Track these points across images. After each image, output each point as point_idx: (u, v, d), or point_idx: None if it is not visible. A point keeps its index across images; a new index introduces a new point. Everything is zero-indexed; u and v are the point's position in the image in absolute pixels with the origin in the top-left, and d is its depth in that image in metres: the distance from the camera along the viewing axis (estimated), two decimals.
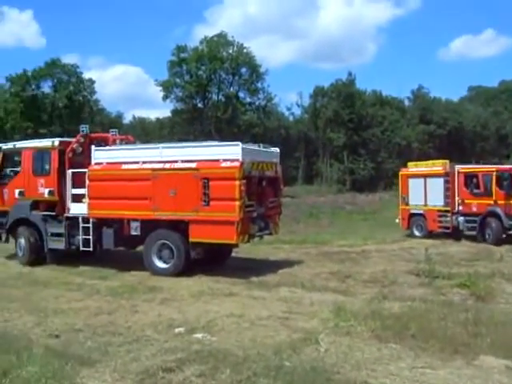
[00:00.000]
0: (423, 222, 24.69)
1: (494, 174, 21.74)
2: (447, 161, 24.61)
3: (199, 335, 8.17)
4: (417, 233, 24.92)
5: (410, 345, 7.70)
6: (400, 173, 26.97)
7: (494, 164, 23.30)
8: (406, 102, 69.33)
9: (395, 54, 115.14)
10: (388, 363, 6.93)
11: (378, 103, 65.34)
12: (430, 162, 26.11)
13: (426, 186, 24.49)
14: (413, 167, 26.37)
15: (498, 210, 21.23)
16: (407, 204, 25.56)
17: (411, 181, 25.44)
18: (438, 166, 24.58)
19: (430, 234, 24.08)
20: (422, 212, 24.74)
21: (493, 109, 68.20)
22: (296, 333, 8.32)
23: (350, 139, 61.94)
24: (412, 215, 25.35)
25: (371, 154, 61.65)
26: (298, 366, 6.61)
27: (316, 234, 28.17)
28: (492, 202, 21.59)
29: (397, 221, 26.57)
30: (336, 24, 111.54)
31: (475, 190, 22.45)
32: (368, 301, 10.75)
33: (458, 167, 23.61)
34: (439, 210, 23.67)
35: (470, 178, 22.94)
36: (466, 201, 22.67)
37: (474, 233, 22.17)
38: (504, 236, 21.06)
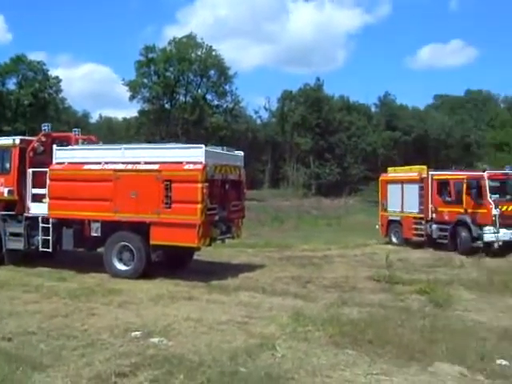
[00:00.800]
0: (400, 229, 24.26)
1: (465, 181, 21.18)
2: (424, 167, 24.06)
3: (155, 339, 8.06)
4: (394, 240, 24.53)
5: (366, 351, 7.71)
6: (380, 178, 26.58)
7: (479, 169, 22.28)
8: (373, 109, 70.03)
9: (364, 60, 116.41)
10: (344, 369, 6.93)
11: (346, 109, 65.82)
12: (408, 167, 25.67)
13: (402, 193, 24.10)
14: (392, 172, 25.94)
15: (467, 219, 20.75)
16: (386, 210, 25.21)
17: (390, 187, 25.08)
18: (414, 172, 24.19)
19: (407, 242, 23.69)
20: (398, 219, 24.33)
21: (458, 117, 69.18)
22: (253, 338, 8.27)
23: (317, 144, 62.26)
24: (390, 222, 24.92)
25: (337, 159, 62.06)
26: (253, 372, 6.57)
27: (280, 237, 28.15)
28: (462, 211, 21.02)
29: (377, 227, 26.07)
30: (306, 29, 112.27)
31: (447, 198, 22.12)
32: (327, 306, 10.76)
33: (431, 173, 23.13)
34: (414, 218, 23.20)
35: (443, 185, 22.50)
36: (439, 208, 22.25)
37: (446, 241, 21.66)
38: (476, 244, 20.37)
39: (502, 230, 20.07)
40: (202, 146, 13.81)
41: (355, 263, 18.31)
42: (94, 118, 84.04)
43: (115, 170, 14.08)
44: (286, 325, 9.02)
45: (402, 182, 24.15)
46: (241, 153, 16.03)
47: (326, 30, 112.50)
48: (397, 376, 6.74)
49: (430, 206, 22.49)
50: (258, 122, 71.83)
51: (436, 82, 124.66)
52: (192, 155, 13.64)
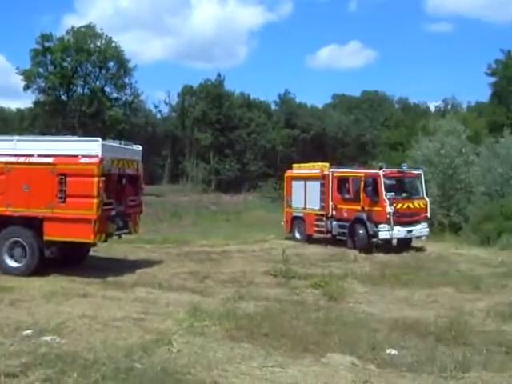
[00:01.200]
0: (303, 225, 24.18)
1: (362, 179, 21.12)
2: (327, 164, 24.28)
3: (48, 338, 7.79)
4: (298, 236, 24.41)
5: (262, 344, 7.81)
6: (285, 174, 26.26)
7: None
8: (273, 106, 70.94)
9: (265, 57, 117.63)
10: (240, 362, 6.98)
11: (246, 105, 66.32)
12: (311, 164, 25.43)
13: (305, 189, 24.04)
14: (296, 169, 25.86)
15: (364, 217, 20.78)
16: (290, 206, 25.03)
17: (294, 183, 24.98)
18: (316, 169, 24.08)
19: (310, 238, 23.60)
20: (301, 215, 24.23)
21: (354, 117, 71.30)
22: (149, 334, 8.18)
23: (217, 140, 62.42)
24: (294, 218, 24.76)
25: (237, 155, 62.46)
26: (149, 368, 6.50)
27: (178, 233, 28.05)
28: (360, 208, 21.00)
29: (282, 223, 25.79)
30: (209, 24, 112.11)
31: (346, 195, 22.08)
32: (224, 301, 10.82)
33: (331, 170, 23.15)
34: (316, 214, 23.23)
35: (342, 183, 22.41)
36: (339, 206, 22.21)
37: (345, 238, 21.64)
38: (373, 242, 20.30)
39: (397, 228, 20.28)
40: (99, 139, 13.51)
41: (253, 258, 18.50)
42: None
43: (7, 163, 13.51)
44: (182, 320, 8.99)
45: (305, 178, 24.24)
46: (139, 147, 15.79)
47: (229, 26, 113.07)
48: (291, 367, 6.87)
49: (330, 203, 22.49)
50: (158, 116, 71.14)
51: (334, 82, 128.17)
52: (88, 148, 13.30)
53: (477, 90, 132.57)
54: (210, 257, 18.37)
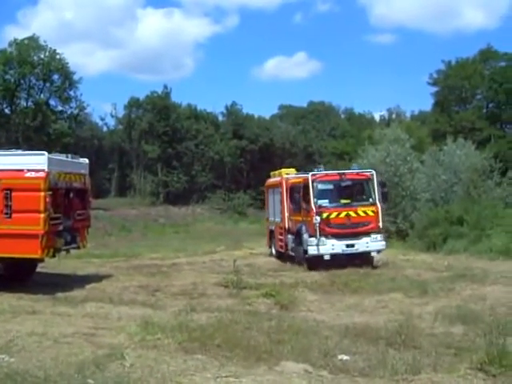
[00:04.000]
0: (274, 240, 21.69)
1: (302, 184, 18.67)
2: (291, 170, 21.90)
3: None
4: (273, 251, 21.80)
5: (215, 355, 7.79)
6: (266, 184, 23.72)
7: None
8: (220, 117, 71.02)
9: (213, 69, 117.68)
10: (193, 374, 6.95)
11: (193, 117, 66.19)
12: (283, 170, 22.17)
13: (273, 200, 21.76)
14: (272, 177, 22.92)
15: (303, 229, 18.23)
16: (268, 219, 22.83)
17: (269, 193, 22.74)
18: (278, 176, 21.79)
19: (281, 255, 20.79)
20: (273, 228, 21.84)
21: (301, 127, 72.00)
22: (101, 349, 8.06)
23: (164, 152, 62.06)
24: (270, 232, 22.33)
25: (185, 167, 62.20)
26: (102, 383, 6.41)
27: (128, 247, 27.83)
28: (300, 219, 18.63)
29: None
30: (155, 36, 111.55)
31: (293, 205, 19.56)
32: (176, 313, 10.77)
33: (286, 177, 20.65)
34: (280, 228, 20.74)
35: (294, 191, 19.67)
36: (292, 217, 19.73)
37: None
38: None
39: (330, 242, 17.48)
40: (45, 152, 13.34)
41: (204, 270, 18.54)
42: None
43: None
44: (134, 334, 8.89)
45: (272, 187, 22.20)
46: (86, 160, 15.66)
47: (175, 38, 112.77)
48: (245, 377, 6.87)
49: (285, 214, 20.17)
50: (104, 129, 70.33)
51: (281, 93, 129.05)
52: (34, 162, 13.11)
53: (419, 100, 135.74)
54: (160, 270, 18.32)
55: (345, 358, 7.89)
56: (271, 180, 22.96)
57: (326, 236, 17.52)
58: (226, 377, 6.87)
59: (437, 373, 7.21)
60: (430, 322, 10.33)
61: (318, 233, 17.29)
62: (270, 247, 22.49)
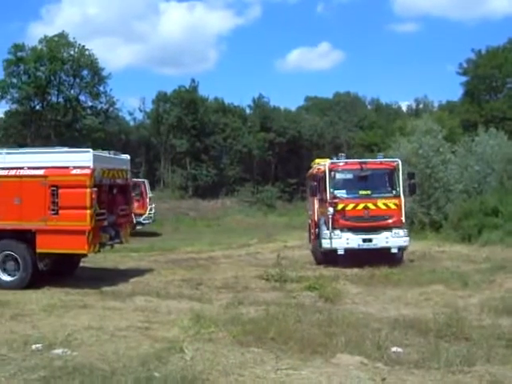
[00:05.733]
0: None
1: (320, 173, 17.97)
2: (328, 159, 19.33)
3: (59, 351, 7.83)
4: (310, 246, 20.63)
5: (270, 348, 7.96)
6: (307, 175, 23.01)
7: None
8: (248, 110, 71.01)
9: (236, 62, 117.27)
10: (253, 367, 7.11)
11: (221, 110, 66.26)
12: (318, 160, 21.12)
13: (308, 191, 20.94)
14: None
15: (322, 221, 17.52)
16: (308, 212, 22.05)
17: (307, 184, 21.90)
18: (313, 165, 20.67)
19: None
20: (309, 222, 20.95)
21: (328, 119, 71.70)
22: (158, 342, 8.28)
23: (193, 146, 62.28)
24: (309, 225, 21.42)
25: (213, 161, 62.36)
26: (168, 376, 6.58)
27: (161, 240, 28.13)
28: (322, 210, 17.79)
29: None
30: (177, 30, 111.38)
31: (320, 196, 18.34)
32: (224, 307, 10.96)
33: (317, 167, 19.52)
34: (311, 220, 20.13)
35: (320, 181, 18.43)
36: (320, 209, 18.58)
37: None
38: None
39: (345, 235, 16.68)
40: (90, 150, 13.58)
41: (241, 263, 18.70)
42: None
43: None
44: (188, 327, 9.09)
45: (308, 178, 21.48)
46: (127, 156, 15.92)
47: (198, 31, 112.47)
48: (304, 369, 7.02)
49: (315, 206, 19.20)
50: (132, 123, 70.77)
51: (306, 84, 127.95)
52: (79, 160, 13.36)
53: (447, 89, 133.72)
54: (198, 263, 18.54)
55: (398, 350, 7.99)
56: (310, 171, 22.04)
57: (342, 229, 16.70)
58: (286, 369, 7.03)
59: (491, 364, 7.31)
60: (477, 314, 10.40)
61: (330, 225, 16.62)
62: (309, 241, 21.42)
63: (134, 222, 30.63)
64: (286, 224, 38.26)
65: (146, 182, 33.38)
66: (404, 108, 77.26)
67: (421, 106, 72.78)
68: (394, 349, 8.01)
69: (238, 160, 62.70)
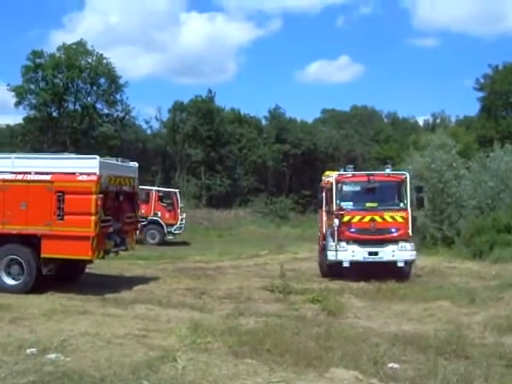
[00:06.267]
0: None
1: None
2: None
3: (52, 356, 7.80)
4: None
5: (265, 360, 7.86)
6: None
7: None
8: (263, 121, 71.08)
9: (255, 73, 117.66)
10: (245, 378, 7.03)
11: (237, 121, 66.41)
12: (328, 172, 20.87)
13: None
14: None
15: (328, 233, 17.34)
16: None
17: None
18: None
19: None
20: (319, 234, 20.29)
21: (344, 132, 71.57)
22: (153, 351, 8.22)
23: (208, 155, 62.42)
24: (319, 237, 20.49)
25: (228, 171, 62.44)
26: None
27: (173, 249, 28.13)
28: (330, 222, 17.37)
29: None
30: (197, 40, 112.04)
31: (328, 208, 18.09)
32: (224, 317, 10.88)
33: (326, 179, 19.06)
34: (320, 232, 19.86)
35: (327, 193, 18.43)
36: (328, 221, 18.11)
37: None
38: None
39: (352, 248, 16.56)
40: (96, 156, 13.61)
41: (248, 274, 18.62)
42: None
43: (4, 180, 13.55)
44: (184, 336, 9.02)
45: (319, 190, 20.41)
46: (135, 164, 15.91)
47: (218, 42, 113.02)
48: (296, 382, 6.94)
49: (323, 217, 19.16)
50: (149, 132, 71.12)
51: (324, 97, 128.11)
52: (86, 166, 13.40)
53: (464, 104, 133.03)
54: (205, 273, 18.48)
55: (395, 366, 7.86)
56: (320, 183, 21.35)
57: (347, 241, 16.58)
58: (278, 382, 6.95)
59: None
60: (480, 332, 10.21)
61: (335, 237, 16.47)
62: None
63: (166, 231, 31.13)
64: (299, 236, 38.18)
65: (178, 192, 33.56)
66: (421, 122, 77.02)
67: (438, 120, 72.50)
68: (390, 365, 7.88)
69: (253, 171, 62.72)
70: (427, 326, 10.71)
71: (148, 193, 32.28)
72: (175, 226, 31.87)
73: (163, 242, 31.29)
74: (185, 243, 32.53)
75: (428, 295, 14.14)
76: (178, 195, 33.17)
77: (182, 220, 32.56)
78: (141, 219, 30.33)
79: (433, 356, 8.40)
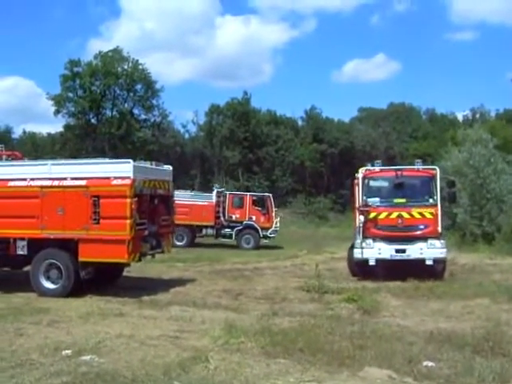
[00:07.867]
0: None
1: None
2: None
3: (87, 357, 7.92)
4: None
5: (298, 359, 7.83)
6: None
7: None
8: (300, 122, 70.98)
9: (290, 74, 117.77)
10: (277, 378, 7.01)
11: (273, 122, 66.50)
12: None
13: None
14: None
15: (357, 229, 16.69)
16: None
17: None
18: None
19: None
20: None
21: (382, 130, 70.96)
22: (186, 351, 8.26)
23: (245, 157, 62.65)
24: None
25: (266, 172, 62.58)
26: None
27: (211, 252, 28.21)
28: None
29: None
30: (233, 44, 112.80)
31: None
32: (259, 317, 10.86)
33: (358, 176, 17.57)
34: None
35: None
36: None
37: None
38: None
39: (378, 245, 16.17)
40: (130, 160, 13.74)
41: (286, 274, 18.60)
42: (17, 133, 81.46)
43: (42, 187, 13.79)
44: (218, 337, 9.03)
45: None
46: (169, 167, 16.02)
47: (253, 45, 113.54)
48: (328, 382, 6.89)
49: (357, 214, 17.59)
50: (186, 136, 71.70)
51: (360, 96, 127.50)
52: (120, 170, 13.53)
53: (505, 98, 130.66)
54: (242, 274, 18.48)
55: (430, 364, 7.73)
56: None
57: (374, 239, 16.17)
58: (309, 381, 6.91)
59: None
60: None
61: (361, 234, 16.12)
62: None
63: (261, 235, 31.44)
64: (337, 235, 37.91)
65: (271, 196, 33.87)
66: (460, 118, 75.85)
67: (477, 115, 71.29)
68: (425, 363, 7.75)
69: (291, 171, 62.72)
70: (465, 323, 10.53)
71: (242, 198, 33.34)
72: (270, 230, 32.13)
73: (258, 246, 31.58)
74: (277, 247, 32.40)
75: (467, 293, 13.90)
76: (272, 199, 33.44)
77: (276, 224, 32.81)
78: (236, 224, 31.34)
79: (469, 354, 8.25)
